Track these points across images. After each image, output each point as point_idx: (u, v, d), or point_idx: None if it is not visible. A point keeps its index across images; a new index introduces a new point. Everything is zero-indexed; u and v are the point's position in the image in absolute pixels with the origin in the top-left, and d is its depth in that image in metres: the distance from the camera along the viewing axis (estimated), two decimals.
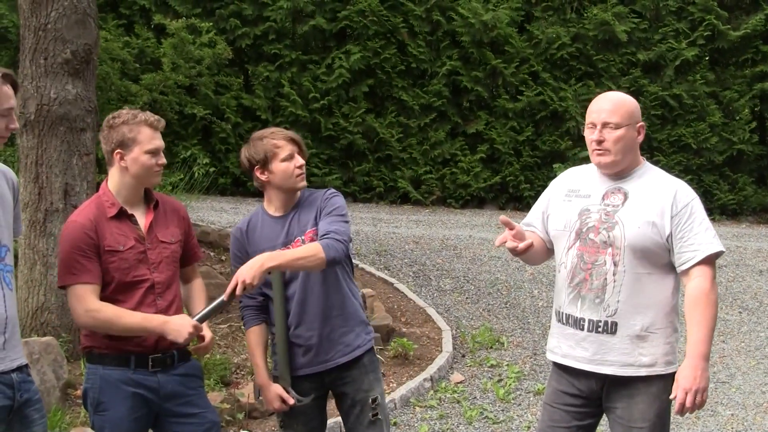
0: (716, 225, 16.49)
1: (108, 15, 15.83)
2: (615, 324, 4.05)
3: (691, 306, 3.96)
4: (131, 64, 13.71)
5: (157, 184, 4.47)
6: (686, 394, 3.90)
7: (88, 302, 4.09)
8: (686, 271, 3.99)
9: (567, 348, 4.21)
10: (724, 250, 4.04)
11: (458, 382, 8.07)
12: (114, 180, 4.29)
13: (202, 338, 4.35)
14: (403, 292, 10.32)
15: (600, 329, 4.08)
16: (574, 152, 16.74)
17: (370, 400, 4.49)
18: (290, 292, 4.39)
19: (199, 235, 10.57)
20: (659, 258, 4.02)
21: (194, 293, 4.58)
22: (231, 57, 14.26)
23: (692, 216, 4.00)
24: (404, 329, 9.10)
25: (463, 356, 8.71)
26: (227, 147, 16.44)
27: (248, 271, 4.05)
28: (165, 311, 4.25)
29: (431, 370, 8.13)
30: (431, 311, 9.77)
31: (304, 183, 4.46)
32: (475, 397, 7.77)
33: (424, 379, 7.92)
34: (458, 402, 7.63)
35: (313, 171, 16.32)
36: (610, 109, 4.10)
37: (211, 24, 14.34)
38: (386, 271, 11.08)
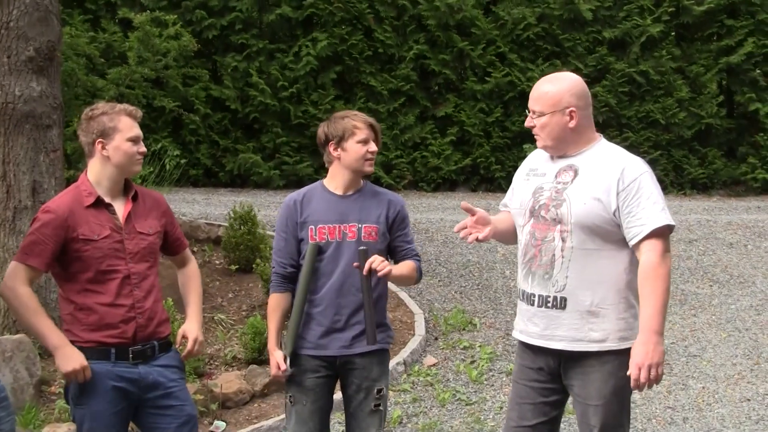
0: (687, 199, 16.75)
1: (74, 10, 15.73)
2: (564, 299, 4.13)
3: (641, 281, 4.04)
4: (97, 59, 13.66)
5: (137, 172, 4.56)
6: (639, 369, 3.97)
7: (17, 281, 4.19)
8: (636, 246, 4.06)
9: (522, 324, 4.33)
10: (672, 223, 4.09)
11: (431, 365, 8.15)
12: (94, 170, 4.37)
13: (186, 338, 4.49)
14: None
15: (549, 304, 4.16)
16: None
17: (376, 390, 4.63)
18: (329, 273, 4.52)
19: None
20: (610, 234, 4.09)
21: (188, 279, 4.71)
22: (197, 49, 14.21)
23: (640, 191, 4.06)
24: None
25: (436, 339, 8.78)
26: (197, 138, 16.41)
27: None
28: (143, 301, 4.35)
29: (404, 354, 8.20)
30: (403, 295, 9.82)
31: (372, 169, 4.65)
32: (448, 380, 7.85)
33: (397, 363, 7.98)
34: (431, 385, 7.71)
35: (284, 159, 16.33)
36: (535, 96, 4.26)
37: (176, 16, 14.28)
38: None
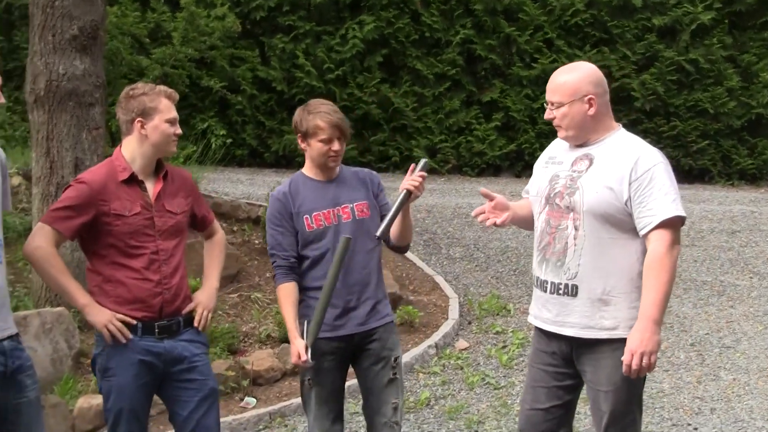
0: (734, 190, 16.61)
1: None
2: (576, 287, 4.17)
3: (646, 270, 4.06)
4: (143, 38, 13.80)
5: (173, 153, 4.65)
6: (632, 355, 4.02)
7: (45, 241, 4.27)
8: (646, 236, 4.08)
9: (536, 309, 4.40)
10: (682, 215, 4.09)
11: (463, 349, 8.19)
12: (130, 148, 4.46)
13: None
14: (412, 261, 10.42)
15: (561, 291, 4.21)
16: None
17: (393, 359, 4.73)
18: (332, 255, 4.55)
19: (211, 206, 10.70)
20: (623, 223, 4.12)
21: (211, 248, 4.83)
22: (240, 30, 14.30)
23: (652, 181, 4.07)
24: (411, 297, 9.22)
25: (470, 323, 8.83)
26: (243, 119, 16.56)
27: None
28: (170, 277, 4.45)
29: (436, 337, 8.26)
30: (439, 279, 9.88)
31: (335, 165, 4.68)
32: (478, 364, 7.89)
33: (429, 346, 8.05)
34: (461, 368, 7.76)
35: None
36: (551, 88, 4.28)
37: None
38: None
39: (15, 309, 7.27)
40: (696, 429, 6.60)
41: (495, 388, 7.35)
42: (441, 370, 7.74)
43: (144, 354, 4.39)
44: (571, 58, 16.89)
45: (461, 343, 8.30)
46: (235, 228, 10.32)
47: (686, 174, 17.38)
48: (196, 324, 4.55)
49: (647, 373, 4.15)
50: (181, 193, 4.58)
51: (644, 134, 16.88)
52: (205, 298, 4.62)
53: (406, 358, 7.76)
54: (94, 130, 7.93)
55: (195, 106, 16.08)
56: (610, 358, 4.16)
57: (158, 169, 4.54)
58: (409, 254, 10.57)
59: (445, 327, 8.51)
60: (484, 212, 4.40)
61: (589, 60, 16.75)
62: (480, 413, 6.87)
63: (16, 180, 10.43)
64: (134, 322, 4.36)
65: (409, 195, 4.45)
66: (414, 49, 17.09)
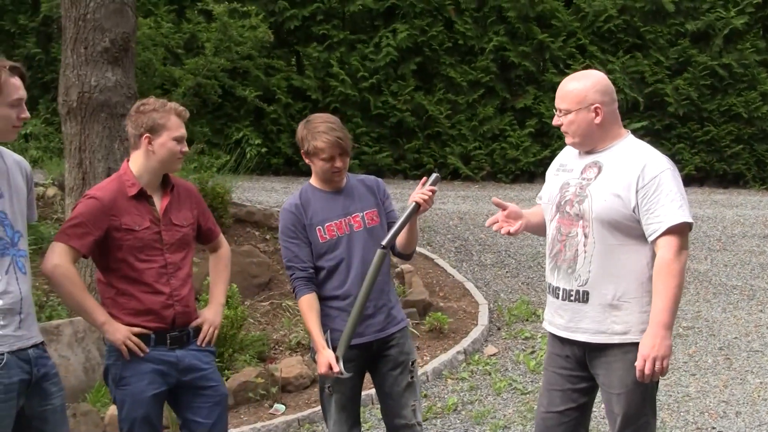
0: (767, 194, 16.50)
1: (160, 0, 16.11)
2: (587, 293, 4.24)
3: (655, 276, 4.11)
4: (175, 50, 13.97)
5: (177, 170, 4.73)
6: (645, 360, 4.08)
7: (65, 260, 4.32)
8: (654, 243, 4.13)
9: (550, 315, 4.48)
10: (689, 221, 4.14)
11: (491, 355, 8.24)
12: (137, 163, 4.53)
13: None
14: (442, 267, 10.47)
15: (572, 298, 4.28)
16: (623, 124, 16.63)
17: (410, 362, 4.81)
18: (348, 266, 4.67)
19: (244, 215, 10.86)
20: (631, 230, 4.17)
21: (217, 262, 4.90)
22: (272, 40, 14.45)
23: (659, 188, 4.12)
24: (441, 304, 9.27)
25: (499, 329, 8.86)
26: (279, 128, 16.67)
27: None
28: (179, 289, 4.54)
29: (465, 343, 8.31)
30: (470, 285, 9.92)
31: (341, 181, 4.75)
32: (506, 369, 7.93)
33: (458, 352, 8.10)
34: (489, 374, 7.80)
35: (364, 149, 16.50)
36: (560, 95, 4.36)
37: (254, 7, 14.53)
38: (428, 247, 11.23)
39: (48, 318, 7.42)
40: None
41: (522, 393, 7.38)
42: (469, 375, 7.78)
43: (157, 363, 4.48)
44: (604, 64, 16.93)
45: (490, 349, 8.34)
46: (267, 236, 10.43)
47: (720, 179, 17.33)
48: (199, 342, 4.63)
49: (660, 377, 4.19)
50: (186, 205, 4.67)
51: (678, 139, 16.92)
52: (211, 316, 4.71)
53: (434, 364, 7.83)
54: (126, 140, 8.02)
55: (230, 116, 16.23)
56: (621, 361, 4.21)
57: (164, 182, 4.62)
58: (439, 261, 10.64)
59: (474, 333, 8.55)
60: (497, 221, 4.48)
61: (623, 66, 16.89)
62: (506, 418, 6.92)
63: (52, 191, 10.62)
64: (150, 332, 4.46)
65: (418, 207, 4.51)
66: (447, 57, 17.14)
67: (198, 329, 4.64)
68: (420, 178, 14.85)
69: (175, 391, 4.58)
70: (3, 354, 3.95)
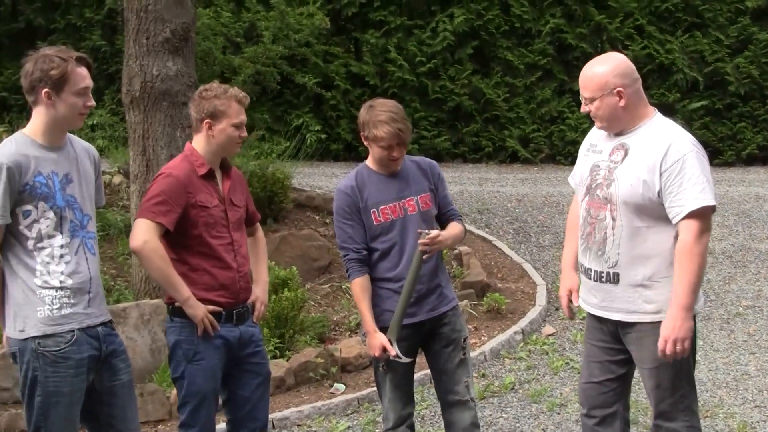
0: None
1: None
2: (617, 274, 4.35)
3: (676, 260, 4.21)
4: (234, 38, 14.14)
5: (236, 154, 4.90)
6: (666, 342, 4.19)
7: (151, 236, 4.47)
8: (677, 225, 4.20)
9: (584, 294, 4.59)
10: (711, 204, 4.19)
11: (549, 335, 8.32)
12: (200, 145, 4.71)
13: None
14: (501, 249, 10.56)
15: (603, 279, 4.40)
16: (683, 104, 16.56)
17: (462, 339, 4.92)
18: (401, 249, 4.79)
19: (304, 200, 11.03)
20: (658, 212, 4.26)
21: (257, 245, 5.07)
22: (329, 27, 14.58)
23: (683, 171, 4.18)
24: (499, 285, 9.36)
25: (557, 309, 8.92)
26: (338, 114, 16.79)
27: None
28: (243, 266, 4.74)
29: (523, 323, 8.40)
30: (527, 267, 10.00)
31: (396, 167, 4.82)
32: (564, 349, 8.01)
33: (515, 332, 8.19)
34: (547, 353, 7.88)
35: (423, 134, 16.57)
36: (582, 84, 4.45)
37: None
38: (486, 229, 11.32)
39: (117, 301, 7.65)
40: None
41: (578, 372, 7.41)
42: (527, 355, 7.87)
43: (225, 339, 4.66)
44: (662, 44, 16.81)
45: (547, 329, 8.42)
46: (327, 221, 10.57)
47: None
48: (255, 319, 4.84)
49: (697, 354, 4.27)
50: (239, 189, 4.85)
51: (739, 118, 16.74)
52: (261, 294, 4.90)
53: (492, 344, 7.93)
54: (188, 128, 8.20)
55: (290, 103, 16.41)
56: (652, 336, 4.30)
57: (223, 165, 4.79)
58: (498, 243, 10.73)
59: (532, 313, 8.64)
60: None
61: (682, 45, 16.74)
62: (563, 396, 7.00)
63: (117, 179, 10.88)
64: (221, 310, 4.63)
65: (423, 254, 4.64)
66: (504, 40, 17.13)
67: (252, 306, 4.83)
68: (479, 161, 14.84)
69: (227, 365, 4.75)
70: (74, 331, 4.15)
